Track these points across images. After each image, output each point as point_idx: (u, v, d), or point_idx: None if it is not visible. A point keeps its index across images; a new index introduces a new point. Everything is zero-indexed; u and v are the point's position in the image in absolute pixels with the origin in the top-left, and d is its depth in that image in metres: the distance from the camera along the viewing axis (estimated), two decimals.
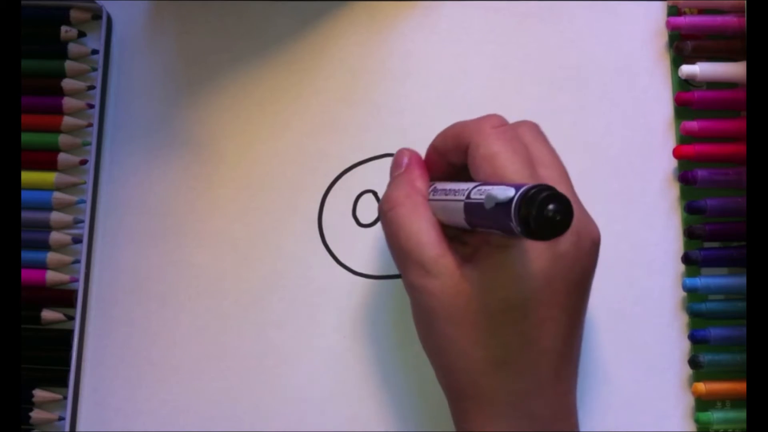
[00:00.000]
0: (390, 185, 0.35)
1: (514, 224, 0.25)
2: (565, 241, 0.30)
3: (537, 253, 0.30)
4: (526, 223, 0.25)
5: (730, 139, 0.39)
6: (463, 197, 0.29)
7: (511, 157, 0.31)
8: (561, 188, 0.29)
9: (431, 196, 0.33)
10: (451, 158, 0.34)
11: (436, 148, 0.35)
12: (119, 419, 0.39)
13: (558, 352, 0.31)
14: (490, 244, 0.30)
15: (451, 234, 0.32)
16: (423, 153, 0.36)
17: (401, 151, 0.36)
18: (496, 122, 0.32)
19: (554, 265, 0.30)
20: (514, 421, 0.30)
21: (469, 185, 0.30)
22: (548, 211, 0.25)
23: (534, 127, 0.34)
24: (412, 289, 0.32)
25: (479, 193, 0.28)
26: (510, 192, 0.26)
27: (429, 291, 0.31)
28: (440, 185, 0.33)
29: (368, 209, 0.41)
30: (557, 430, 0.31)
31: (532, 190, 0.25)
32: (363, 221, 0.41)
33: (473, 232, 0.31)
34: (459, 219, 0.30)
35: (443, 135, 0.34)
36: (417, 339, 0.39)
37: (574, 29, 0.42)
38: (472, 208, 0.29)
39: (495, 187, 0.27)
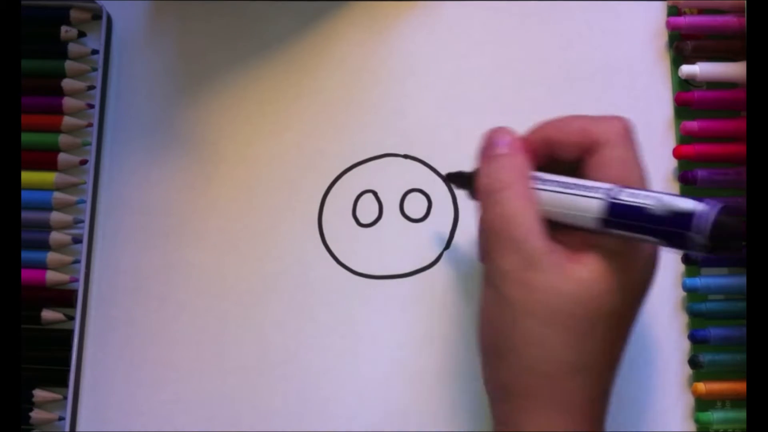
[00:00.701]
0: (491, 164, 0.32)
1: (696, 236, 0.27)
2: (655, 255, 0.31)
3: (646, 264, 0.31)
4: (717, 238, 0.27)
5: (730, 139, 0.39)
6: (601, 195, 0.29)
7: (640, 166, 0.31)
8: None
9: (539, 186, 0.31)
10: (562, 151, 0.32)
11: (548, 138, 0.33)
12: (119, 419, 0.39)
13: (619, 363, 0.32)
14: (602, 248, 0.30)
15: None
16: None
17: (500, 130, 0.33)
18: (628, 126, 0.32)
19: (648, 277, 0.31)
20: (581, 423, 0.30)
21: (599, 183, 0.30)
22: (737, 231, 0.27)
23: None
24: (506, 280, 0.30)
25: (632, 195, 0.29)
26: (698, 205, 0.27)
27: (531, 285, 0.30)
28: (547, 176, 0.32)
29: (368, 209, 0.41)
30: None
31: (727, 210, 0.27)
32: (363, 221, 0.41)
33: (569, 232, 0.31)
34: (577, 214, 0.30)
35: (561, 128, 0.33)
36: (416, 339, 0.39)
37: (574, 29, 0.42)
38: (621, 210, 0.29)
39: (675, 196, 0.28)
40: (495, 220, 0.31)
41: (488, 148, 0.33)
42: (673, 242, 0.28)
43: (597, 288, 0.30)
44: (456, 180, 0.37)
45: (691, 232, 0.27)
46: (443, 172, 0.41)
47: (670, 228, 0.28)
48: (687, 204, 0.27)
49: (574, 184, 0.31)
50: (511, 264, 0.30)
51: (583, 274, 0.30)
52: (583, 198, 0.30)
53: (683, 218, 0.27)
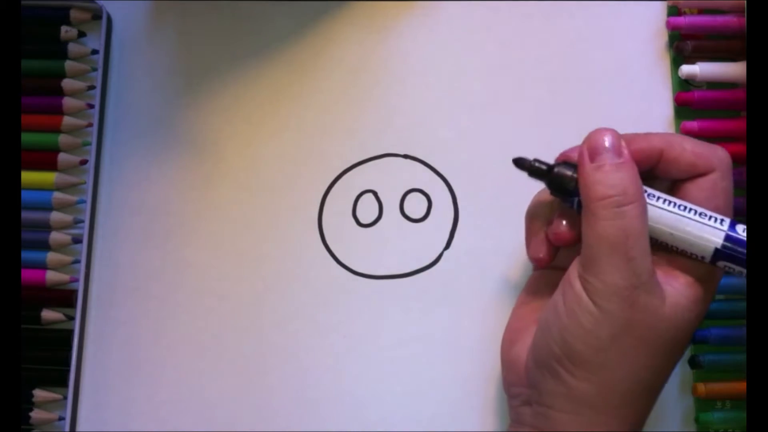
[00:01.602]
0: (614, 171, 0.30)
1: None
2: None
3: (709, 294, 0.32)
4: None
5: (730, 139, 0.39)
6: (721, 226, 0.30)
7: (731, 202, 0.32)
8: None
9: (652, 202, 0.31)
10: (670, 167, 0.32)
11: (658, 152, 0.32)
12: (119, 419, 0.39)
13: None
14: (693, 274, 0.31)
15: None
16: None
17: (613, 135, 0.31)
18: (730, 159, 0.32)
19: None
20: None
21: (715, 213, 0.31)
22: None
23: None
24: (612, 295, 0.30)
25: (746, 231, 0.30)
26: None
27: (637, 305, 0.30)
28: (659, 193, 0.32)
29: (368, 209, 0.41)
30: None
31: None
32: (363, 221, 0.41)
33: (657, 252, 0.31)
34: (694, 241, 0.31)
35: (675, 144, 0.32)
36: (416, 339, 0.39)
37: (574, 29, 0.42)
38: (737, 243, 0.30)
39: None
40: (615, 234, 0.30)
41: (596, 149, 0.31)
42: None
43: (690, 314, 0.31)
44: (532, 171, 0.33)
45: None
46: (445, 172, 0.41)
47: None
48: None
49: (691, 209, 0.31)
50: (623, 281, 0.30)
51: (680, 299, 0.30)
52: (704, 225, 0.31)
53: None
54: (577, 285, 0.31)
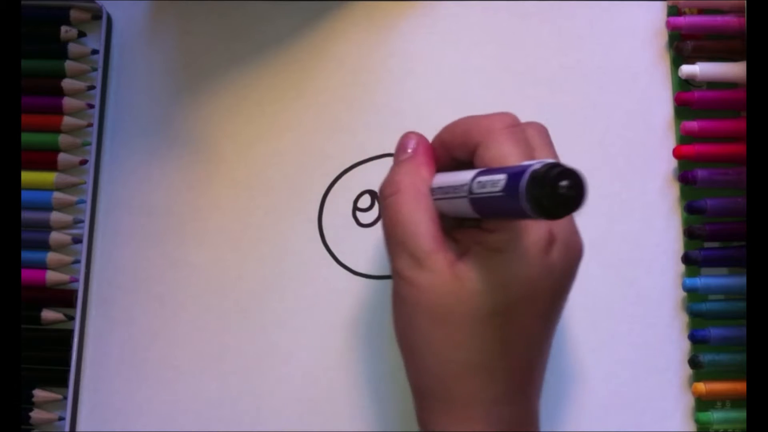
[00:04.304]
0: (394, 169, 0.34)
1: (525, 206, 0.24)
2: (556, 252, 0.30)
3: (529, 260, 0.29)
4: (538, 203, 0.24)
5: (730, 139, 0.39)
6: (465, 193, 0.29)
7: (519, 160, 0.30)
8: None
9: (434, 187, 0.32)
10: (457, 154, 0.32)
11: (443, 141, 0.33)
12: (119, 419, 0.39)
13: (531, 360, 0.31)
14: (484, 245, 0.30)
15: (445, 228, 0.32)
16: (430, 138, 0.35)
17: (408, 135, 0.34)
18: (508, 121, 0.31)
19: (544, 274, 0.30)
20: (482, 425, 0.30)
21: (467, 177, 0.29)
22: (561, 187, 0.24)
23: (543, 130, 0.33)
24: (399, 280, 0.31)
25: (480, 186, 0.28)
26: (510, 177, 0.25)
27: (418, 284, 0.30)
28: (443, 176, 0.32)
29: (368, 209, 0.41)
30: None
31: (542, 169, 0.24)
32: (363, 221, 0.41)
33: (465, 229, 0.31)
34: (465, 210, 0.29)
35: (451, 130, 0.33)
36: None
37: (574, 29, 0.42)
38: (478, 203, 0.28)
39: (494, 175, 0.27)
40: (387, 223, 0.32)
41: (396, 153, 0.34)
42: (523, 216, 0.25)
43: (476, 286, 0.29)
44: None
45: (523, 203, 0.24)
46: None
47: (510, 205, 0.25)
48: (507, 179, 0.25)
49: (452, 186, 0.30)
50: (402, 264, 0.31)
51: (467, 273, 0.30)
52: (456, 198, 0.30)
53: (513, 192, 0.25)
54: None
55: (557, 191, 0.24)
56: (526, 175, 0.24)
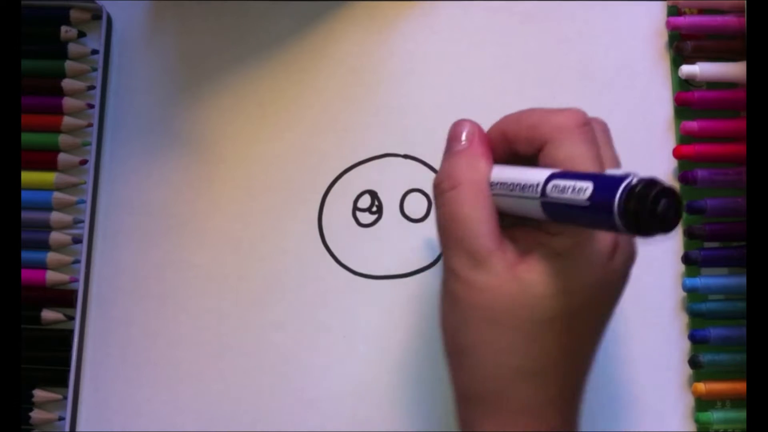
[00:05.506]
0: (449, 160, 0.31)
1: (617, 222, 0.24)
2: (619, 259, 0.29)
3: (594, 267, 0.28)
4: (634, 220, 0.23)
5: (730, 139, 0.39)
6: (536, 195, 0.27)
7: (592, 163, 0.28)
8: None
9: (494, 181, 0.30)
10: (519, 148, 0.30)
11: (504, 133, 0.31)
12: (119, 419, 0.39)
13: (584, 367, 0.30)
14: (547, 248, 0.29)
15: (502, 227, 0.30)
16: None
17: (461, 123, 0.32)
18: (581, 119, 0.29)
19: (606, 280, 0.29)
20: (527, 428, 0.29)
21: (537, 177, 0.27)
22: (660, 206, 0.23)
23: (605, 127, 0.31)
24: (455, 279, 0.30)
25: (558, 191, 0.26)
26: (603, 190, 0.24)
27: (475, 285, 0.29)
28: (504, 170, 0.30)
29: (368, 210, 0.41)
30: None
31: (639, 185, 0.23)
32: (363, 221, 0.41)
33: (523, 228, 0.30)
34: (531, 211, 0.28)
35: (517, 122, 0.31)
36: (416, 339, 0.39)
37: (575, 29, 0.42)
38: (552, 207, 0.27)
39: (577, 181, 0.26)
40: (445, 219, 0.30)
41: (449, 142, 0.32)
42: (609, 228, 0.25)
43: (538, 290, 0.28)
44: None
45: (614, 218, 0.24)
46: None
47: (594, 216, 0.25)
48: (596, 191, 0.24)
49: (519, 185, 0.29)
50: (460, 263, 0.29)
51: (526, 275, 0.28)
52: (523, 198, 0.28)
53: (603, 204, 0.24)
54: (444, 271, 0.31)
55: (656, 210, 0.23)
56: (622, 190, 0.24)
